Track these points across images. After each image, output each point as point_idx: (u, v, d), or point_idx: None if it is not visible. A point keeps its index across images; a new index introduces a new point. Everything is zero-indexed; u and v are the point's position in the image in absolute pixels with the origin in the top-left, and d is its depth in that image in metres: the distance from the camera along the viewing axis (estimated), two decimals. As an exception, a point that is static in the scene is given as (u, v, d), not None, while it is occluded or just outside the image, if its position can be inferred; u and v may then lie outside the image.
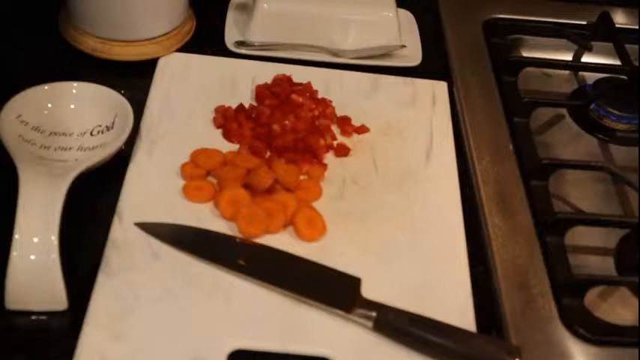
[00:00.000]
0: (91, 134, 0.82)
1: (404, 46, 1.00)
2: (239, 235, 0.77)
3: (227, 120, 0.88)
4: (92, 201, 0.78)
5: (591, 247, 0.85)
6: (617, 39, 1.06)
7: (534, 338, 0.72)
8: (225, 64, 0.96)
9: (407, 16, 1.07)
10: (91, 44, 0.93)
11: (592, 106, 0.99)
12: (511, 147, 0.90)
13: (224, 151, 0.84)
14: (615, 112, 0.99)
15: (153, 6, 0.93)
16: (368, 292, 0.73)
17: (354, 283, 0.73)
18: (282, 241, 0.77)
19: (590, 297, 0.79)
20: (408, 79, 0.98)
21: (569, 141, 0.98)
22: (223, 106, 0.89)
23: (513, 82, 0.99)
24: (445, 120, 0.93)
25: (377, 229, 0.80)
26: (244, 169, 0.81)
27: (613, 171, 0.89)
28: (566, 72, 1.07)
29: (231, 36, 1.00)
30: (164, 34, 0.95)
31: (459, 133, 0.92)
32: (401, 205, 0.83)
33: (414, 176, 0.86)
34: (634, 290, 0.80)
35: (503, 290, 0.75)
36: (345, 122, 0.90)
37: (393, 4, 1.01)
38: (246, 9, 1.02)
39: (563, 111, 1.01)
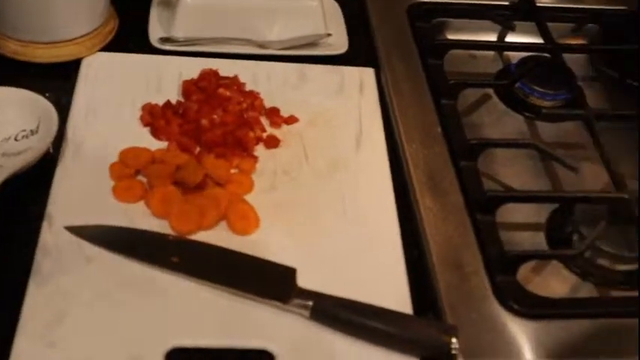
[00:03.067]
0: (16, 139, 0.81)
1: (330, 35, 1.00)
2: (172, 233, 0.76)
3: (154, 117, 0.87)
4: (21, 207, 0.77)
5: (523, 224, 0.87)
6: (539, 18, 1.07)
7: (470, 316, 0.73)
8: (150, 62, 0.95)
9: (331, 5, 1.07)
10: (11, 47, 0.92)
11: (517, 84, 1.01)
12: (439, 129, 0.91)
13: (153, 149, 0.84)
14: (540, 89, 1.00)
15: (72, 7, 0.91)
16: (304, 281, 0.73)
17: (289, 273, 0.73)
18: (216, 236, 0.77)
19: (523, 272, 0.80)
20: (335, 68, 0.98)
21: (496, 120, 1.00)
22: (150, 103, 0.89)
23: (439, 65, 1.00)
24: (373, 106, 0.94)
25: (310, 219, 0.80)
26: (174, 165, 0.81)
27: (540, 148, 0.90)
28: (491, 52, 1.08)
29: (155, 33, 0.99)
30: (86, 34, 0.94)
31: (387, 118, 0.93)
32: (333, 193, 0.83)
33: (345, 164, 0.86)
34: (565, 263, 0.81)
35: (438, 271, 0.76)
36: (273, 114, 0.90)
37: (319, -8, 1.02)
38: (170, 5, 1.01)
39: (490, 91, 1.02)
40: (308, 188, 0.83)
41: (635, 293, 0.80)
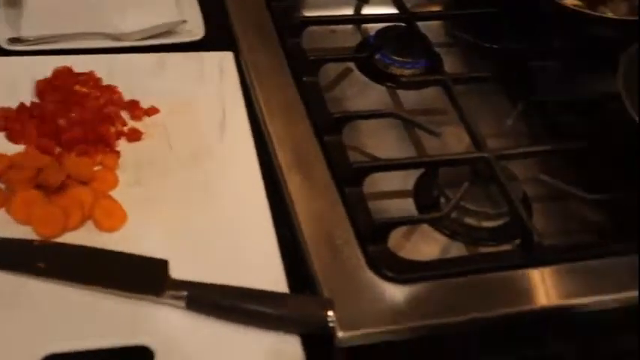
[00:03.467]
0: None
1: (185, 22, 0.99)
2: (37, 238, 0.74)
3: (9, 121, 0.84)
4: None
5: (391, 192, 0.88)
6: (391, -12, 1.09)
7: (346, 288, 0.74)
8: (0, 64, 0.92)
9: (185, -9, 1.06)
10: None
11: (377, 56, 1.02)
12: (302, 106, 0.91)
13: (10, 153, 0.81)
14: (399, 59, 1.02)
15: None
16: (179, 273, 0.72)
17: (160, 266, 0.72)
18: (83, 236, 0.75)
19: (395, 239, 0.82)
20: (194, 54, 0.97)
21: (359, 93, 1.01)
22: (3, 108, 0.86)
23: (298, 43, 1.00)
24: (235, 90, 0.93)
25: (179, 209, 0.79)
26: (34, 169, 0.79)
27: (401, 116, 0.92)
28: (349, 26, 1.09)
29: (3, 33, 0.95)
30: None
31: (250, 100, 0.93)
32: (200, 181, 0.82)
33: (210, 150, 0.85)
34: (434, 225, 0.83)
35: (310, 247, 0.77)
36: (133, 106, 0.89)
37: (168, -20, 1.00)
38: (16, 3, 0.98)
39: (351, 64, 1.03)
40: (174, 178, 0.82)
41: (502, 248, 0.83)
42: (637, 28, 1.02)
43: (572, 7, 1.07)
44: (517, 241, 0.82)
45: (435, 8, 1.14)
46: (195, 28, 1.00)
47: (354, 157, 0.87)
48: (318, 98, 0.92)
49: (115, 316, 0.70)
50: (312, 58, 0.96)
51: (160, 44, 0.97)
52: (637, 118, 0.85)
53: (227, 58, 0.97)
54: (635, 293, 0.77)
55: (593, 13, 1.07)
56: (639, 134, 0.85)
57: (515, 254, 0.80)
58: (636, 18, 1.04)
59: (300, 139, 0.88)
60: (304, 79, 0.94)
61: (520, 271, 0.78)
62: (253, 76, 0.95)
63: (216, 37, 1.00)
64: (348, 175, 0.83)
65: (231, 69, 0.96)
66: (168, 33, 0.99)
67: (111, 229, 0.76)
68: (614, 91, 0.89)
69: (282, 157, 0.85)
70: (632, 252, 0.81)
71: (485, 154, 0.86)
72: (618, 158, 0.90)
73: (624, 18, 1.06)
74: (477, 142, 0.88)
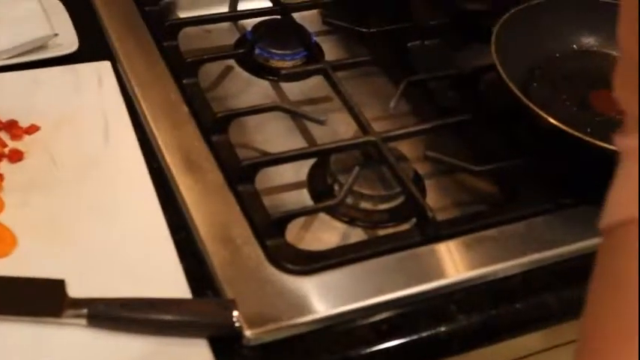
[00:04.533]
0: None
1: (56, 35, 0.97)
2: None
3: None
4: None
5: (285, 185, 0.89)
6: (264, -18, 1.09)
7: (249, 286, 0.74)
8: None
9: (54, 3, 1.03)
10: None
11: (256, 51, 1.02)
12: (186, 108, 0.90)
13: None
14: (278, 51, 1.02)
15: None
16: (79, 291, 0.71)
17: (57, 286, 0.71)
18: (-27, 265, 0.73)
19: (294, 232, 0.82)
20: (70, 67, 0.95)
21: (242, 89, 1.01)
22: None
23: (175, 46, 0.99)
24: (116, 99, 0.91)
25: (71, 227, 0.77)
26: None
27: (285, 108, 0.92)
28: (226, 24, 1.08)
29: None
30: None
31: (133, 108, 0.91)
32: (90, 195, 0.81)
33: (97, 162, 0.84)
34: (331, 213, 0.84)
35: (209, 249, 0.76)
36: (12, 126, 0.86)
37: (35, -6, 0.98)
38: None
39: (232, 62, 1.02)
40: (63, 195, 0.80)
41: (401, 228, 0.84)
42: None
43: (442, -16, 1.09)
44: (413, 220, 0.83)
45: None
46: (68, 41, 0.97)
47: (243, 154, 0.87)
48: (200, 99, 0.92)
49: (15, 343, 0.68)
50: (189, 59, 0.95)
51: (34, 61, 0.95)
52: (511, 86, 0.87)
53: (104, 67, 0.95)
54: (534, 257, 0.80)
55: (462, -12, 1.10)
56: (514, 101, 0.88)
57: (412, 233, 0.81)
58: (505, -10, 1.07)
59: (188, 141, 0.87)
60: (184, 81, 0.93)
61: (421, 249, 0.79)
62: (133, 82, 0.93)
63: (91, 48, 0.98)
64: (240, 173, 0.82)
65: (110, 78, 0.94)
66: (40, 48, 0.96)
67: (1, 255, 0.74)
68: (490, 62, 0.91)
69: (171, 161, 0.84)
70: (523, 218, 0.83)
71: (372, 138, 0.86)
72: (500, 127, 0.93)
73: (493, -9, 1.09)
74: (362, 126, 0.89)
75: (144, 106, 0.90)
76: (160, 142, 0.86)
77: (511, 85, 0.88)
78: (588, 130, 0.91)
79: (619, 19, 0.51)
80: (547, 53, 1.01)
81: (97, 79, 0.94)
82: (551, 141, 0.88)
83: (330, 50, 1.07)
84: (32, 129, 0.86)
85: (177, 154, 0.85)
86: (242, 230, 0.78)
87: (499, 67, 0.89)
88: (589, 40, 1.03)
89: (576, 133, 0.84)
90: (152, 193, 0.81)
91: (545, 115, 0.85)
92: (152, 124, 0.88)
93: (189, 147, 0.86)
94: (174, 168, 0.83)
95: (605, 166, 0.87)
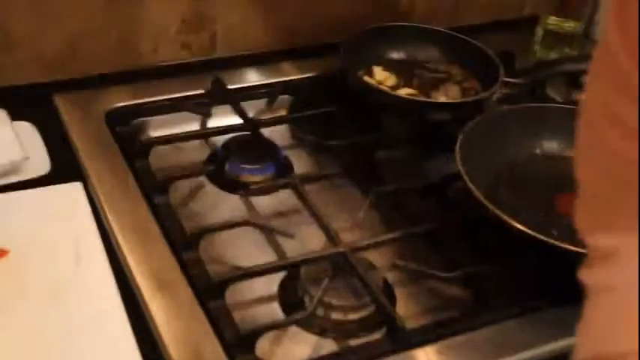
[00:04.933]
0: None
1: (28, 158, 0.98)
2: None
3: None
4: None
5: (256, 299, 0.89)
6: (233, 100, 1.11)
7: (220, 404, 0.73)
8: None
9: (25, 127, 1.05)
10: None
11: (226, 166, 1.03)
12: (157, 227, 0.91)
13: None
14: (249, 166, 1.04)
15: None
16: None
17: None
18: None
19: (265, 346, 0.82)
20: (41, 190, 0.96)
21: (214, 205, 1.02)
22: None
23: (146, 165, 1.01)
24: (87, 220, 0.92)
25: (40, 350, 0.77)
26: None
27: (255, 223, 0.93)
28: (197, 141, 1.10)
29: None
30: None
31: (104, 228, 0.92)
32: (60, 318, 0.80)
33: (67, 285, 0.84)
34: (302, 326, 0.84)
35: (180, 367, 0.76)
36: (-18, 250, 0.87)
37: (7, 119, 0.99)
38: None
39: (203, 178, 1.04)
40: (32, 320, 0.80)
41: (371, 338, 0.84)
42: (470, 109, 1.08)
43: (407, 96, 1.12)
44: (384, 329, 0.83)
45: (280, 112, 1.17)
46: (40, 164, 0.99)
47: (214, 269, 0.88)
48: (172, 217, 0.93)
49: None
50: (161, 178, 0.96)
51: (5, 184, 0.96)
52: (477, 193, 0.89)
53: (76, 189, 0.96)
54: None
55: (427, 99, 1.13)
56: (480, 208, 0.89)
57: (383, 342, 0.81)
58: (468, 99, 1.10)
59: (159, 259, 0.87)
60: (156, 200, 0.95)
61: (392, 358, 0.79)
62: (104, 203, 0.94)
63: (63, 169, 1.00)
64: (210, 290, 0.83)
65: (82, 199, 0.95)
66: (12, 172, 0.97)
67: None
68: (456, 171, 0.93)
69: (142, 281, 0.85)
70: (493, 322, 0.84)
71: (341, 249, 0.87)
72: (468, 233, 0.94)
73: (458, 101, 1.12)
74: (331, 238, 0.90)
75: (115, 226, 0.91)
76: (131, 262, 0.87)
77: (477, 192, 0.90)
78: (555, 233, 0.92)
79: (575, 154, 0.52)
80: (511, 159, 1.04)
81: (69, 200, 0.95)
82: (519, 245, 0.89)
83: (300, 163, 1.09)
84: (1, 253, 0.87)
85: (148, 273, 0.85)
86: (212, 347, 0.78)
87: (464, 176, 0.91)
88: (551, 145, 1.06)
89: (543, 238, 0.85)
90: (122, 314, 0.81)
91: (511, 221, 0.87)
92: (123, 245, 0.89)
93: (160, 266, 0.86)
94: (144, 288, 0.84)
95: (573, 268, 0.89)
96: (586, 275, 0.52)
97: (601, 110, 0.49)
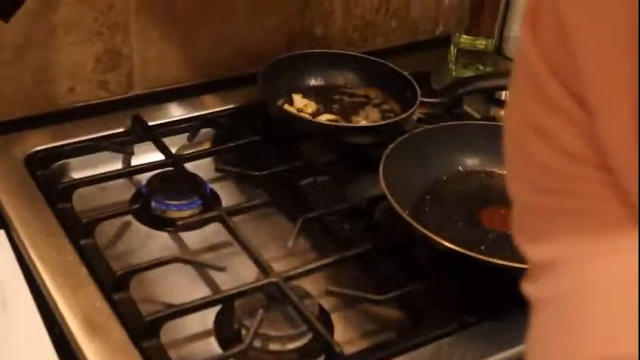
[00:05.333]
0: None
1: (-54, 209, 0.96)
2: None
3: None
4: None
5: (192, 335, 0.88)
6: (154, 136, 1.10)
7: None
8: None
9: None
10: None
11: (152, 204, 1.02)
12: (85, 270, 0.89)
13: None
14: (174, 202, 1.03)
15: None
16: None
17: None
18: None
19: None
20: (-38, 240, 0.94)
21: (142, 243, 1.00)
22: None
23: (69, 207, 0.99)
24: (12, 267, 0.90)
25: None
26: None
27: (183, 259, 0.92)
28: (120, 180, 1.09)
29: None
30: None
31: (31, 274, 0.90)
32: (-10, 369, 0.78)
33: (-5, 335, 0.82)
34: (240, 359, 0.83)
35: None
36: None
37: None
38: None
39: (129, 217, 1.02)
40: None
41: (311, 365, 0.84)
42: (391, 130, 1.09)
43: (327, 122, 1.13)
44: (322, 357, 0.83)
45: (203, 145, 1.17)
46: (-41, 214, 0.97)
47: (147, 309, 0.87)
48: (99, 259, 0.92)
49: None
50: (85, 220, 0.95)
51: None
52: (403, 213, 0.90)
53: (-1, 236, 0.95)
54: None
55: (348, 124, 1.14)
56: (407, 227, 0.90)
57: (322, 369, 0.81)
58: (388, 121, 1.12)
59: (89, 303, 0.86)
60: (82, 242, 0.93)
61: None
62: (29, 249, 0.92)
63: (-17, 219, 0.98)
64: (144, 330, 0.82)
65: (5, 248, 0.93)
66: None
67: None
68: (381, 192, 0.94)
69: (73, 325, 0.83)
70: (430, 341, 0.84)
71: (274, 279, 0.87)
72: (398, 254, 0.95)
73: (378, 123, 1.14)
74: (263, 268, 0.89)
75: (42, 271, 0.89)
76: (61, 307, 0.85)
77: (402, 213, 0.91)
78: (482, 247, 0.94)
79: (505, 170, 0.53)
80: (435, 177, 1.05)
81: (-8, 249, 0.92)
82: (449, 262, 0.91)
83: (227, 195, 1.09)
84: None
85: (79, 316, 0.84)
86: (149, 388, 0.77)
87: (389, 197, 0.92)
88: (473, 161, 1.08)
89: (471, 254, 0.87)
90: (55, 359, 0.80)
91: (439, 239, 0.88)
92: (51, 290, 0.87)
93: (91, 308, 0.85)
94: (76, 332, 0.82)
95: (503, 281, 0.90)
96: (528, 288, 0.52)
97: (524, 122, 0.49)
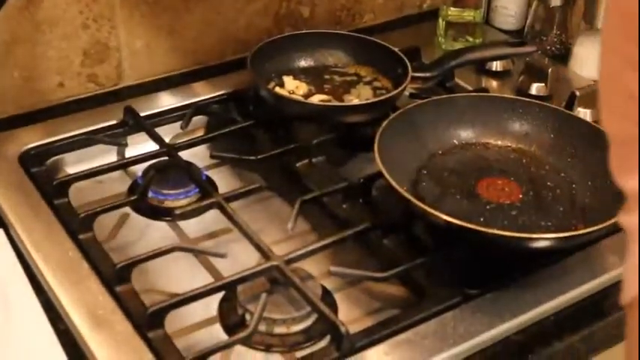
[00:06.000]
0: None
1: (-57, 211, 0.96)
2: None
3: None
4: None
5: (197, 323, 0.88)
6: (147, 126, 1.10)
7: None
8: None
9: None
10: None
11: (149, 194, 1.02)
12: (86, 264, 0.89)
13: None
14: (171, 191, 1.03)
15: None
16: None
17: None
18: None
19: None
20: (-39, 241, 0.93)
21: (141, 235, 1.01)
22: None
23: (66, 203, 0.99)
24: (13, 266, 0.90)
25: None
26: None
27: (184, 248, 0.92)
28: (116, 172, 1.08)
29: None
30: None
31: (32, 271, 0.90)
32: (-3, 368, 0.79)
33: None
34: (246, 344, 0.83)
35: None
36: None
37: None
38: None
39: (127, 209, 1.02)
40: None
41: (317, 347, 0.84)
42: (383, 107, 1.09)
43: (320, 103, 1.13)
44: (328, 337, 0.83)
45: (196, 133, 1.16)
46: (-44, 215, 0.97)
47: (150, 299, 0.87)
48: (99, 252, 0.92)
49: None
50: (83, 214, 0.95)
51: None
52: (400, 189, 0.90)
53: (-3, 236, 0.95)
54: (452, 351, 0.81)
55: (340, 104, 1.13)
56: (405, 203, 0.90)
57: (329, 350, 0.81)
58: (380, 98, 1.11)
59: (92, 296, 0.86)
60: (80, 236, 0.93)
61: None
62: (29, 246, 0.92)
63: (-20, 219, 0.97)
64: (148, 320, 0.81)
65: (5, 246, 0.93)
66: None
67: None
68: (377, 170, 0.94)
69: (78, 319, 0.83)
70: (434, 315, 0.85)
71: (275, 262, 0.87)
72: (398, 230, 0.95)
73: (370, 101, 1.13)
74: (264, 252, 0.89)
75: (43, 268, 0.89)
76: (64, 302, 0.85)
77: (399, 189, 0.90)
78: (481, 219, 0.94)
79: (600, 108, 0.55)
80: (430, 152, 1.05)
81: (-10, 248, 0.92)
82: (448, 236, 0.91)
83: (223, 181, 1.09)
84: None
85: (83, 311, 0.84)
86: (160, 380, 0.77)
87: (385, 174, 0.92)
88: (467, 134, 1.08)
89: (470, 226, 0.87)
90: (61, 355, 0.80)
91: (437, 213, 0.88)
92: (53, 286, 0.87)
93: (94, 302, 0.85)
94: (81, 326, 0.82)
95: (503, 252, 0.91)
96: (623, 219, 0.54)
97: (623, 62, 0.52)
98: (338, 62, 1.23)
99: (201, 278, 0.93)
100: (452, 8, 1.35)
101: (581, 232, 0.88)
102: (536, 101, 1.09)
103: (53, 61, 1.15)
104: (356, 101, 1.14)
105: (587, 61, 1.28)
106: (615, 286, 0.76)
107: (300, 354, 0.83)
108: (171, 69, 1.25)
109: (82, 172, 1.04)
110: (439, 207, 0.91)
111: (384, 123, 1.01)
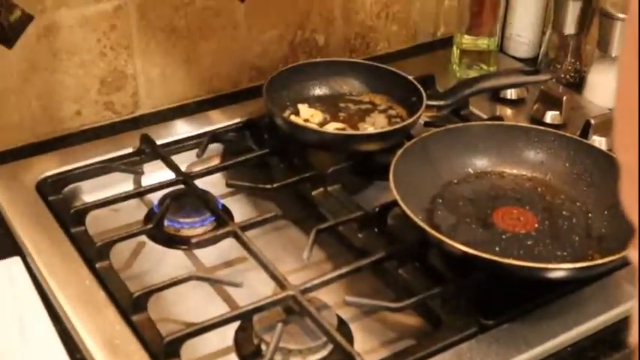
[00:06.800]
0: None
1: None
2: None
3: None
4: None
5: (212, 353, 0.88)
6: (163, 154, 1.11)
7: None
8: None
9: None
10: None
11: (165, 223, 1.03)
12: (102, 293, 0.90)
13: None
14: (187, 220, 1.03)
15: None
16: None
17: None
18: None
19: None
20: (-21, 269, 0.94)
21: (157, 263, 1.01)
22: None
23: (83, 231, 0.99)
24: (30, 294, 0.91)
25: None
26: None
27: (200, 277, 0.92)
28: (133, 200, 1.09)
29: None
30: None
31: (48, 300, 0.90)
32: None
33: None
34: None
35: None
36: None
37: None
38: None
39: (143, 237, 1.03)
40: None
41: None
42: (398, 136, 1.09)
43: (335, 131, 1.13)
44: (345, 367, 0.83)
45: (212, 161, 1.17)
46: (-26, 243, 0.97)
47: (166, 329, 0.87)
48: (116, 281, 0.92)
49: None
50: (99, 243, 0.95)
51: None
52: (415, 218, 0.90)
53: (15, 263, 0.95)
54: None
55: (355, 132, 1.14)
56: (421, 232, 0.90)
57: (345, 380, 0.81)
58: (395, 127, 1.12)
59: (108, 326, 0.86)
60: (97, 265, 0.93)
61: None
62: (46, 274, 0.93)
63: (-1, 246, 0.98)
64: (165, 350, 0.81)
65: (22, 274, 0.93)
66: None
67: None
68: (392, 199, 0.94)
69: (94, 349, 0.83)
70: (450, 346, 0.84)
71: (291, 292, 0.87)
72: (414, 260, 0.95)
73: (385, 129, 1.13)
74: (279, 282, 0.89)
75: (59, 297, 0.90)
76: (80, 332, 0.85)
77: (415, 218, 0.91)
78: (497, 249, 0.94)
79: (613, 134, 0.54)
80: (445, 180, 1.05)
81: (8, 276, 0.93)
82: (464, 265, 0.91)
83: (239, 210, 1.09)
84: (-54, 340, 0.85)
85: (100, 340, 0.84)
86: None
87: (401, 203, 0.92)
88: (482, 162, 1.08)
89: (486, 256, 0.87)
90: (78, 385, 0.80)
91: (453, 243, 0.88)
92: (70, 314, 0.87)
93: (111, 331, 0.85)
94: (98, 355, 0.83)
95: (519, 282, 0.90)
96: (631, 254, 0.53)
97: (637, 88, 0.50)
98: (352, 90, 1.24)
99: (217, 307, 0.93)
100: (466, 36, 1.35)
101: (597, 262, 0.88)
102: (552, 130, 1.09)
103: (70, 89, 1.16)
104: (371, 129, 1.14)
105: (601, 88, 1.28)
106: (633, 318, 0.75)
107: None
108: (187, 97, 1.26)
109: (98, 200, 1.04)
110: (455, 236, 0.91)
111: (399, 151, 1.01)
